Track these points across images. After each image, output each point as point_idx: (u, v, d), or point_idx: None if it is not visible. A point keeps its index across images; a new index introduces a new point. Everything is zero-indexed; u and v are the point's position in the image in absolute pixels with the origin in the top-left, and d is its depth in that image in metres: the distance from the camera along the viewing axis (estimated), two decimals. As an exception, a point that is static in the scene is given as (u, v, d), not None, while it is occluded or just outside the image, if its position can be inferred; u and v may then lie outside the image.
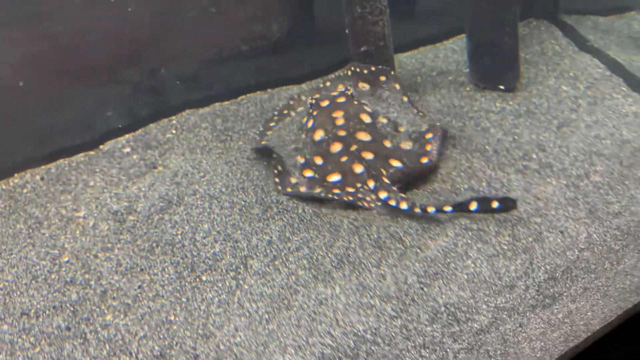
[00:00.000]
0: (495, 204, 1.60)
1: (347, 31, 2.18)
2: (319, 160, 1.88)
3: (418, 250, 1.58)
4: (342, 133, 1.90)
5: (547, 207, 1.64)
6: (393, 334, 1.36)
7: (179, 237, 1.75)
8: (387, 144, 1.90)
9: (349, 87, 2.11)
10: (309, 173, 1.87)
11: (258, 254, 1.65)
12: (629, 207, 1.65)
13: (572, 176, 1.76)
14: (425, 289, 1.46)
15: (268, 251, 1.65)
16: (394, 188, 1.75)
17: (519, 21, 2.50)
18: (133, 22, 2.31)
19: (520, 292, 1.44)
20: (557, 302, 1.42)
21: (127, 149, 2.22)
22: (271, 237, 1.69)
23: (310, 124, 1.99)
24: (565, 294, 1.44)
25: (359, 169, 1.81)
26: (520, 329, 1.37)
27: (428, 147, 1.88)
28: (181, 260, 1.67)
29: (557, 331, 1.34)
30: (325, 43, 2.63)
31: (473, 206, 1.62)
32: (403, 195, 1.74)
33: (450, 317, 1.39)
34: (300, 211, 1.78)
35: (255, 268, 1.61)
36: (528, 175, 1.77)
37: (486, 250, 1.54)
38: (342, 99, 2.02)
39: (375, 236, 1.64)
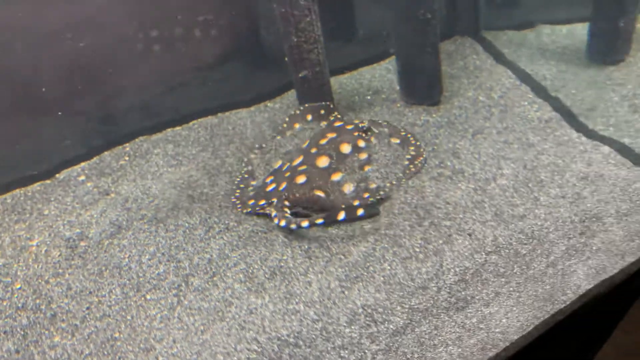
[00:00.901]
0: (360, 212, 1.74)
1: (286, 59, 2.31)
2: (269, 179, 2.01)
3: (342, 257, 1.70)
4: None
5: (455, 211, 1.77)
6: (314, 336, 1.47)
7: (127, 260, 1.85)
8: (333, 177, 1.90)
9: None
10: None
11: (199, 271, 1.76)
12: (533, 210, 1.76)
13: (480, 180, 1.88)
14: (346, 292, 1.59)
15: (208, 268, 1.76)
16: (286, 209, 1.82)
17: (446, 39, 2.71)
18: (86, 55, 2.42)
19: (432, 294, 1.55)
20: (470, 306, 1.52)
21: (82, 177, 2.31)
22: (211, 256, 1.80)
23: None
24: (477, 297, 1.54)
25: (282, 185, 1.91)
26: (435, 331, 1.47)
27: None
28: (128, 281, 1.77)
29: (473, 337, 1.45)
30: (270, 68, 2.76)
31: (341, 216, 1.74)
32: (287, 215, 1.80)
33: (367, 319, 1.51)
34: (240, 229, 1.89)
35: (195, 285, 1.72)
36: (441, 182, 1.89)
37: (401, 253, 1.67)
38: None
39: (306, 247, 1.76)
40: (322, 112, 2.29)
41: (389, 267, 1.63)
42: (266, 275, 1.69)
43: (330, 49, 2.74)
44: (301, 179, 1.90)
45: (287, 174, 1.96)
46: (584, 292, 1.54)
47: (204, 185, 2.15)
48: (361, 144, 1.99)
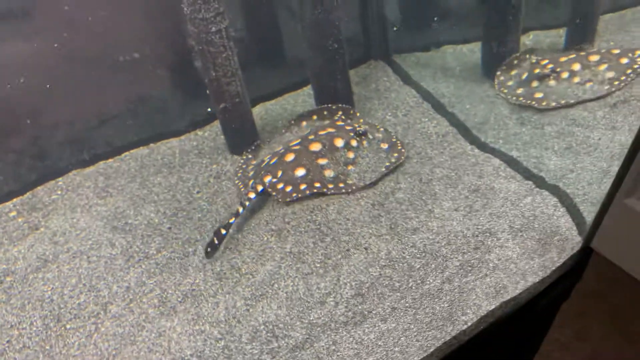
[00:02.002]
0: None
1: (207, 91, 2.42)
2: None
3: (250, 276, 1.79)
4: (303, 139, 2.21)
5: (354, 226, 1.87)
6: (216, 354, 1.55)
7: (49, 292, 1.90)
8: (320, 161, 2.10)
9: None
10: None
11: (117, 299, 1.82)
12: (427, 223, 1.85)
13: (380, 194, 1.99)
14: (250, 310, 1.68)
15: (126, 296, 1.83)
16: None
17: (362, 63, 2.86)
18: (16, 95, 2.47)
19: (330, 308, 1.63)
20: (367, 320, 1.59)
21: (14, 213, 2.35)
22: (129, 284, 1.87)
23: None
24: (374, 312, 1.60)
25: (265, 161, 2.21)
26: (334, 347, 1.53)
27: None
28: (49, 313, 1.82)
29: (371, 355, 1.50)
30: (200, 98, 2.86)
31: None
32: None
33: (269, 335, 1.59)
34: (159, 257, 1.97)
35: (113, 312, 1.78)
36: (343, 198, 2.00)
37: (303, 269, 1.77)
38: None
39: (218, 269, 1.86)
40: (340, 113, 2.45)
41: (292, 284, 1.72)
42: (178, 299, 1.77)
43: (258, 77, 2.88)
44: (290, 157, 2.12)
45: (281, 151, 2.19)
46: (487, 313, 1.56)
47: (128, 215, 2.22)
48: (353, 143, 2.14)
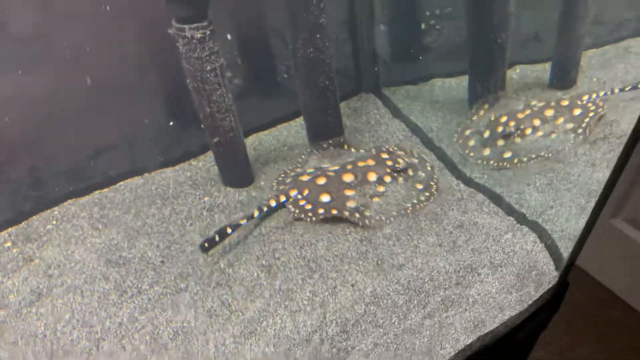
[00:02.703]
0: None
1: (202, 125, 2.47)
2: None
3: (240, 313, 1.82)
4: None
5: (342, 263, 1.91)
6: (204, 393, 1.59)
7: (42, 328, 1.92)
8: (347, 192, 2.15)
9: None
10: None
11: (109, 335, 1.85)
12: (412, 259, 1.88)
13: (368, 230, 2.03)
14: (239, 348, 1.70)
15: (118, 332, 1.85)
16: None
17: (354, 96, 2.92)
18: (11, 127, 2.51)
19: (315, 345, 1.66)
20: (350, 356, 1.62)
21: (8, 244, 2.36)
22: (122, 320, 1.89)
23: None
24: (357, 348, 1.64)
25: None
26: None
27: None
28: (42, 349, 1.84)
29: None
30: (195, 127, 2.91)
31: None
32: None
33: (256, 373, 1.64)
34: (151, 292, 2.00)
35: (105, 348, 1.80)
36: (332, 234, 2.03)
37: (291, 306, 1.80)
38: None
39: (209, 306, 1.89)
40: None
41: (280, 321, 1.75)
42: (170, 336, 1.79)
43: (253, 108, 2.94)
44: (322, 181, 2.19)
45: (317, 173, 2.26)
46: (465, 347, 1.62)
47: (123, 248, 2.25)
48: (387, 179, 2.18)
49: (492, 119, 2.47)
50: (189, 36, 2.03)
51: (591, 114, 2.30)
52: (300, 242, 2.03)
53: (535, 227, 1.94)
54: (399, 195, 2.14)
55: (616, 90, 2.43)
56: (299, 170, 2.44)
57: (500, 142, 2.33)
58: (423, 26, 2.88)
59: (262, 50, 2.86)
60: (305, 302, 1.79)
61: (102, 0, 2.25)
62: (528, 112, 2.40)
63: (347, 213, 2.07)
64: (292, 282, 1.88)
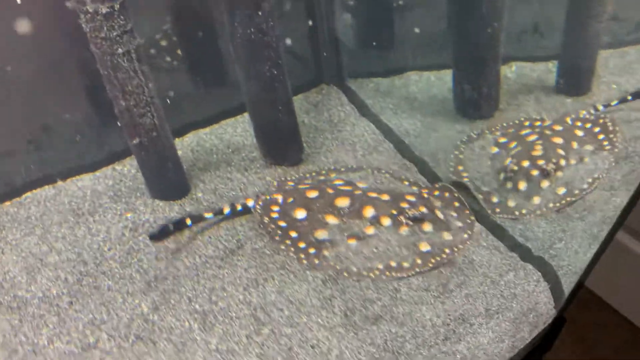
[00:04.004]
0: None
1: (119, 123, 1.98)
2: None
3: None
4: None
5: (299, 313, 1.48)
6: None
7: None
8: (327, 218, 1.70)
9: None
10: None
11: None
12: (391, 308, 1.49)
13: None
14: None
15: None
16: None
17: (313, 87, 2.47)
18: None
19: None
20: None
21: None
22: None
23: None
24: None
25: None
26: None
27: None
28: None
29: None
30: (117, 127, 2.43)
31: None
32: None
33: None
34: (49, 350, 1.53)
35: None
36: (286, 272, 1.61)
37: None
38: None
39: None
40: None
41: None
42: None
43: (190, 100, 2.45)
44: (313, 194, 1.79)
45: (308, 185, 1.88)
46: None
47: (19, 284, 1.76)
48: (384, 221, 1.64)
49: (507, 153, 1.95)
50: (92, 11, 1.53)
51: (606, 127, 1.98)
52: (244, 281, 1.60)
53: (540, 263, 1.59)
54: (387, 247, 1.61)
55: (600, 107, 2.11)
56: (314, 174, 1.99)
57: (523, 185, 1.81)
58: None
59: (202, 28, 2.36)
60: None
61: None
62: (534, 137, 1.95)
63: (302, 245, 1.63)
64: (234, 340, 1.44)
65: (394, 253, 1.58)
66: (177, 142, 2.35)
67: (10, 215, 2.09)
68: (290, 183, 1.95)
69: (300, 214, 1.72)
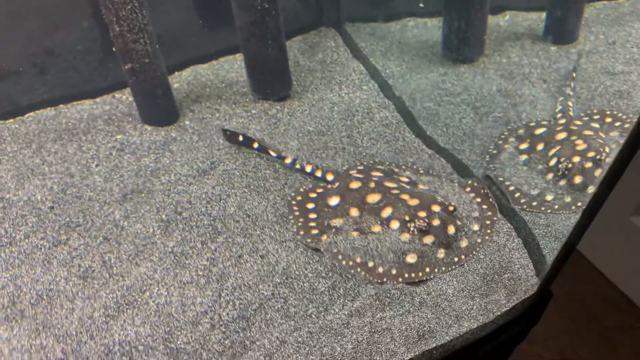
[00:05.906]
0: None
1: (114, 49, 2.04)
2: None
3: (120, 278, 1.45)
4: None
5: (254, 226, 1.53)
6: (51, 380, 1.24)
7: None
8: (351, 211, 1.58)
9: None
10: None
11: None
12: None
13: (295, 181, 1.68)
14: (109, 323, 1.34)
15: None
16: None
17: (312, 30, 2.46)
18: None
19: (204, 332, 1.30)
20: (247, 353, 1.25)
21: None
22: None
23: None
24: (258, 343, 1.27)
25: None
26: None
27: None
28: None
29: None
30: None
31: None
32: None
33: (124, 359, 1.28)
34: (24, 244, 1.62)
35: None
36: (252, 190, 1.67)
37: (182, 275, 1.42)
38: None
39: (87, 265, 1.50)
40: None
41: (165, 293, 1.39)
42: (31, 300, 1.42)
43: (191, 37, 2.48)
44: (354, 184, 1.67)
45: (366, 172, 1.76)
46: None
47: (8, 189, 1.86)
48: (393, 225, 1.53)
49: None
50: None
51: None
52: (209, 196, 1.66)
53: (512, 214, 1.55)
54: (377, 247, 1.49)
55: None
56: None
57: (578, 179, 1.69)
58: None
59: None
60: (200, 273, 1.43)
61: None
62: (564, 135, 1.81)
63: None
64: (189, 245, 1.51)
65: (379, 255, 1.47)
66: (176, 75, 2.42)
67: (12, 131, 2.20)
68: (360, 167, 1.82)
69: (334, 201, 1.64)
